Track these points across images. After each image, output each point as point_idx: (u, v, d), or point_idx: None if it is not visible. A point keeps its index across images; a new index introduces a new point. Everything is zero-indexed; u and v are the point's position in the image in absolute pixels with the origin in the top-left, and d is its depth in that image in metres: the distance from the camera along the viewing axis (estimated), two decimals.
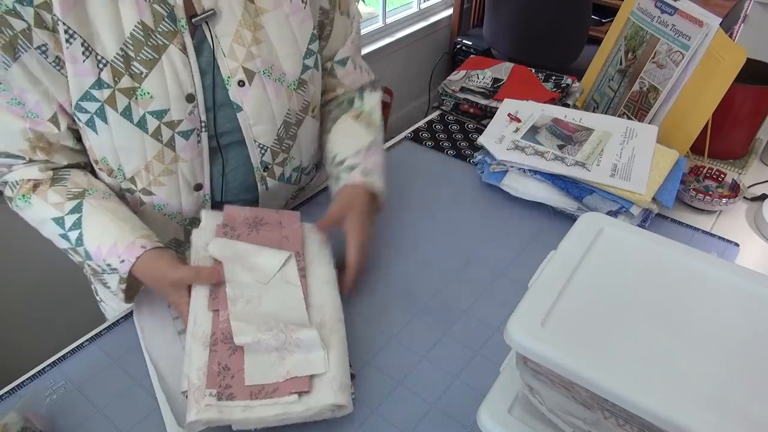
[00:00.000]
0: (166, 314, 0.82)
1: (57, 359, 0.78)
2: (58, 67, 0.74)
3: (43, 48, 0.72)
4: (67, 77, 0.75)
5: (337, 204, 0.86)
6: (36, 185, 0.80)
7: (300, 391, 0.66)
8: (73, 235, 0.78)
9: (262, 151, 0.90)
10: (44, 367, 0.77)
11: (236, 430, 0.65)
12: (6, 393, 0.73)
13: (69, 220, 0.78)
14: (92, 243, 0.77)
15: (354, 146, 0.92)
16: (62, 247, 0.81)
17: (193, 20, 0.77)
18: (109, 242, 0.76)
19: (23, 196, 0.80)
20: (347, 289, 0.82)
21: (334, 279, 0.80)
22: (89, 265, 0.80)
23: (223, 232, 0.80)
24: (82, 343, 0.80)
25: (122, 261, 0.75)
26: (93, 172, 0.88)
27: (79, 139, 0.84)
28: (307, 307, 0.75)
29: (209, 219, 0.82)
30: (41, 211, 0.80)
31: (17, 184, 0.81)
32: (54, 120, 0.78)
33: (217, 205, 0.94)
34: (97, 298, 1.05)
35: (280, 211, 0.87)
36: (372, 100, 1.01)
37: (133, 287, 0.80)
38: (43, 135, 0.79)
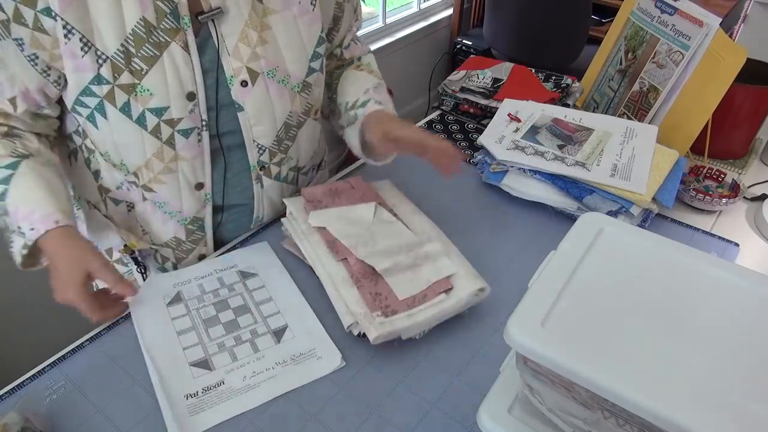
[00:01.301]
0: (164, 315, 0.82)
1: (57, 359, 0.78)
2: (32, 63, 0.75)
3: (20, 41, 0.73)
4: (40, 73, 0.77)
5: (375, 127, 0.87)
6: None
7: (446, 290, 0.79)
8: (0, 188, 0.79)
9: (261, 151, 0.90)
10: (44, 367, 0.76)
11: (405, 338, 0.76)
12: (6, 393, 0.73)
13: (1, 174, 0.79)
14: (12, 202, 0.78)
15: (362, 88, 0.97)
16: None
17: (199, 17, 0.77)
18: (27, 207, 0.77)
19: None
20: (454, 166, 0.83)
21: (420, 211, 0.92)
22: (4, 220, 0.80)
23: (313, 206, 0.90)
24: (82, 343, 0.80)
25: (32, 229, 0.76)
26: (58, 145, 0.91)
27: (41, 118, 0.85)
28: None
29: (293, 203, 0.92)
30: None
31: None
32: (12, 101, 0.80)
33: (218, 207, 0.94)
34: None
35: (347, 179, 0.98)
36: (368, 59, 1.08)
37: (34, 257, 0.81)
38: (2, 109, 0.80)
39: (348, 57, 1.05)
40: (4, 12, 0.71)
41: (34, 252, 0.79)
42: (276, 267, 0.90)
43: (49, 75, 0.77)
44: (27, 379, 0.75)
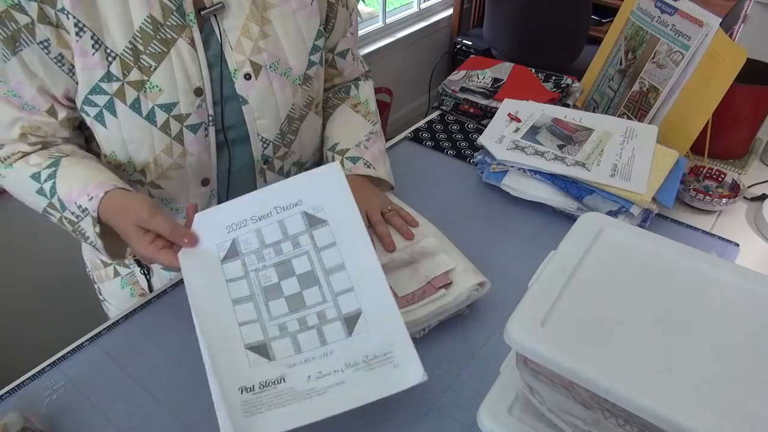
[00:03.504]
0: (219, 275, 0.71)
1: (57, 359, 0.78)
2: (59, 64, 0.75)
3: (46, 43, 0.73)
4: (67, 73, 0.76)
5: None
6: (24, 155, 0.81)
7: (444, 285, 0.78)
8: (48, 185, 0.77)
9: (264, 145, 0.90)
10: (44, 367, 0.77)
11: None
12: (6, 393, 0.73)
13: (45, 173, 0.78)
14: (64, 188, 0.76)
15: (355, 137, 0.97)
16: (41, 206, 0.79)
17: (201, 12, 0.78)
18: (80, 185, 0.75)
19: (9, 165, 0.80)
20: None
21: (418, 214, 0.91)
22: (67, 219, 0.78)
23: None
24: (82, 343, 0.80)
25: (91, 198, 0.74)
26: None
27: (77, 127, 0.85)
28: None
29: None
30: (21, 172, 0.79)
31: (7, 158, 0.81)
32: (51, 111, 0.79)
33: (222, 202, 0.94)
34: (101, 297, 1.05)
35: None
36: (366, 90, 1.07)
37: (115, 241, 0.77)
38: (40, 127, 0.79)
39: (342, 70, 1.04)
40: (27, 15, 0.70)
41: (107, 230, 0.75)
42: (349, 208, 0.73)
43: (74, 75, 0.76)
44: (27, 379, 0.75)
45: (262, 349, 0.66)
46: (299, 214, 0.73)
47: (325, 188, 0.74)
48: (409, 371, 0.63)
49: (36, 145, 0.81)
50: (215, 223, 0.73)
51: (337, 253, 0.71)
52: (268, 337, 0.67)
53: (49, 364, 0.77)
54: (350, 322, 0.67)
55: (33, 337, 1.72)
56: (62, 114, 0.79)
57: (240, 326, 0.67)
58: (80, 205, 0.75)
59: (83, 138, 0.88)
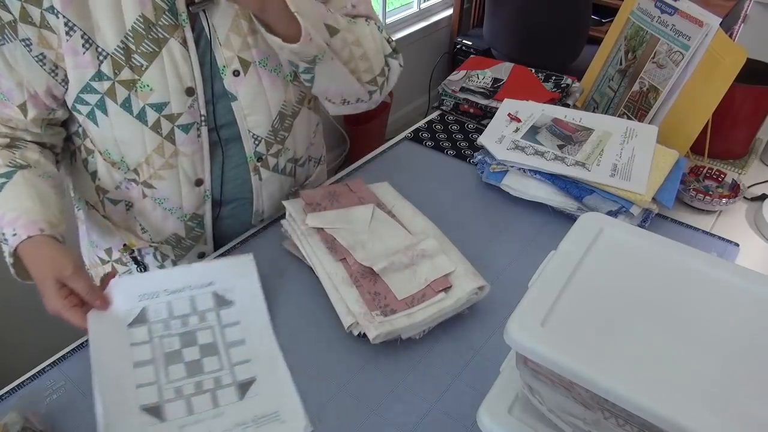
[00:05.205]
0: (124, 337, 0.75)
1: (57, 359, 0.78)
2: (41, 63, 0.76)
3: (27, 41, 0.74)
4: (49, 73, 0.77)
5: None
6: None
7: (444, 289, 0.79)
8: None
9: (256, 142, 0.90)
10: (44, 367, 0.76)
11: (405, 337, 0.77)
12: (6, 393, 0.73)
13: None
14: (0, 209, 0.76)
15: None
16: None
17: (190, 8, 0.78)
18: (13, 213, 0.75)
19: None
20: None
21: (419, 211, 0.92)
22: None
23: (311, 209, 0.90)
24: (82, 343, 0.80)
25: (14, 234, 0.74)
26: (66, 155, 0.90)
27: (51, 125, 0.85)
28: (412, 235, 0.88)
29: (292, 205, 0.91)
30: None
31: None
32: (23, 107, 0.79)
33: (216, 203, 0.94)
34: None
35: (346, 182, 0.97)
36: (363, 27, 0.94)
37: (25, 270, 0.77)
38: (11, 118, 0.80)
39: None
40: (10, 13, 0.72)
41: (19, 262, 0.76)
42: (256, 295, 0.82)
43: (56, 74, 0.77)
44: (27, 379, 0.75)
45: (155, 411, 0.69)
46: (210, 294, 0.80)
47: (237, 274, 0.83)
48: (294, 426, 0.69)
49: (5, 138, 0.81)
50: (129, 290, 0.78)
51: (239, 331, 0.78)
52: (162, 399, 0.70)
53: (49, 364, 0.77)
54: (244, 387, 0.72)
55: (33, 337, 1.72)
56: (32, 113, 0.80)
57: (137, 388, 0.70)
58: (4, 233, 0.75)
59: (61, 137, 0.88)
